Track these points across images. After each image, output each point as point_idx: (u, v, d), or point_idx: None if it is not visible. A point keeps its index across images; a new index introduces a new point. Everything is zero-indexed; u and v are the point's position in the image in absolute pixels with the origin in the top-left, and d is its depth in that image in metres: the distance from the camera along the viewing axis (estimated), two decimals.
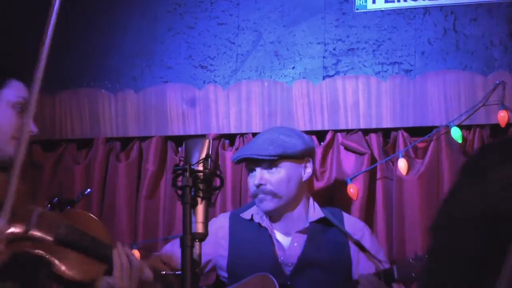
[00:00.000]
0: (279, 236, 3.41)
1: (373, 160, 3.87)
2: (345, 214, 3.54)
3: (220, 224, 3.49)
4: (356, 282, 3.16)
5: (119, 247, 2.62)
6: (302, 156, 3.40)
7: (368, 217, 3.88)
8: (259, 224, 3.42)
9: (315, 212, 3.44)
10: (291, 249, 3.39)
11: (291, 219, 3.42)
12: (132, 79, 4.28)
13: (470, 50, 3.88)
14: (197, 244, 2.05)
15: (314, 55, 4.07)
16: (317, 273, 3.37)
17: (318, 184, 3.95)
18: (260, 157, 3.32)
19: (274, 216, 3.41)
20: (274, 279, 3.24)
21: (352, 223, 3.51)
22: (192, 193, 2.07)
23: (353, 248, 3.40)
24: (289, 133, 3.43)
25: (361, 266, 3.40)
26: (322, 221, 3.43)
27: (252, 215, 3.45)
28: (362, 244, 3.38)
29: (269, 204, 3.36)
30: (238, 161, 3.47)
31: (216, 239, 3.44)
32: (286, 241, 3.41)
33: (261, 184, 3.33)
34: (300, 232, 3.40)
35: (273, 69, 4.12)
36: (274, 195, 3.34)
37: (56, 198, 3.04)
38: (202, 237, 2.08)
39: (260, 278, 3.28)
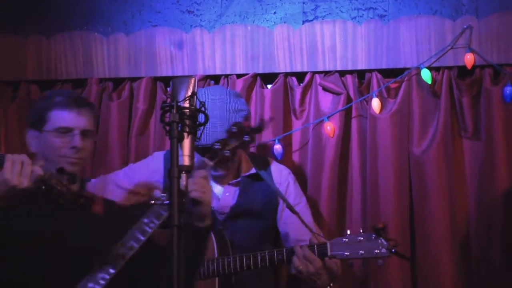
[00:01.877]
0: (212, 185, 3.33)
1: (348, 99, 3.89)
2: (272, 163, 3.51)
3: (156, 167, 3.41)
4: (291, 252, 3.13)
5: None
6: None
7: (343, 153, 3.91)
8: None
9: (247, 166, 3.40)
10: (224, 199, 3.36)
11: (226, 172, 3.36)
12: (123, 23, 4.24)
13: None
14: (183, 175, 2.04)
15: (294, 1, 4.05)
16: (247, 221, 3.36)
17: (297, 122, 3.97)
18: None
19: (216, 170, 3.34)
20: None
21: (278, 172, 3.48)
22: (179, 128, 2.05)
23: (280, 200, 3.40)
24: (236, 101, 3.25)
25: (284, 215, 3.40)
26: (253, 175, 3.40)
27: None
28: (286, 197, 3.38)
29: (217, 171, 3.32)
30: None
31: (152, 182, 3.40)
32: (219, 190, 3.37)
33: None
34: (233, 184, 3.38)
35: (255, 14, 4.10)
36: (227, 159, 3.19)
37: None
38: (188, 169, 2.08)
39: None
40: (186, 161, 2.08)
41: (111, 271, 2.57)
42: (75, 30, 4.24)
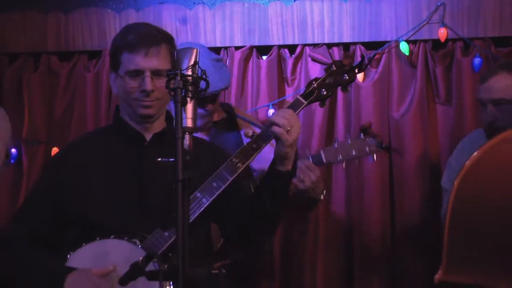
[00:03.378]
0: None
1: None
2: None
3: None
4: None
5: None
6: None
7: (330, 118, 3.99)
8: None
9: (219, 114, 3.24)
10: None
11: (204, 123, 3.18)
12: (133, 0, 4.26)
13: None
14: (187, 136, 2.08)
15: None
16: None
17: (289, 89, 4.03)
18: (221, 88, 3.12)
19: None
20: None
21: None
22: (183, 94, 2.09)
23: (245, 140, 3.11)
24: (215, 55, 3.18)
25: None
26: (223, 123, 3.24)
27: None
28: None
29: (202, 120, 3.14)
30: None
31: None
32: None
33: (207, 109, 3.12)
34: (203, 132, 3.18)
35: None
36: (210, 113, 3.13)
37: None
38: (191, 130, 2.10)
39: None
40: (189, 123, 2.10)
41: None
42: (91, 7, 4.28)
